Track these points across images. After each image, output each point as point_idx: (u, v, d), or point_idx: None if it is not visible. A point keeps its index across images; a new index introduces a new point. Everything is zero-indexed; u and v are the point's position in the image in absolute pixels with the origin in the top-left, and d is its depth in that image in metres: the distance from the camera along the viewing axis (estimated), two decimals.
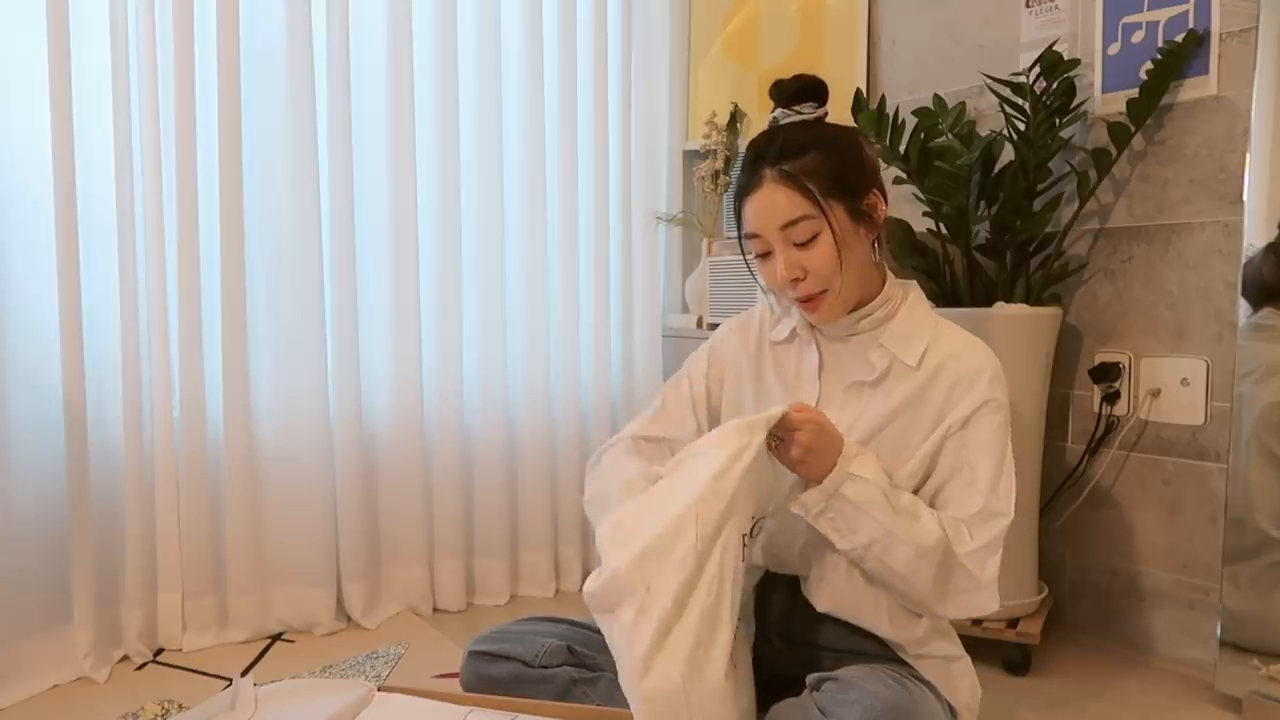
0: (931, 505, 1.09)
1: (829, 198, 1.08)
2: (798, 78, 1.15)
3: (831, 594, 1.13)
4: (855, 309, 1.15)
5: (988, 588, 1.05)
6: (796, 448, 1.02)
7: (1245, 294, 1.59)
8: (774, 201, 1.09)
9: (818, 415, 1.04)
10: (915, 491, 1.10)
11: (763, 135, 1.14)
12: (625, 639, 0.94)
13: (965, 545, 1.04)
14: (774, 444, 1.04)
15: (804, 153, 1.09)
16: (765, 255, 1.13)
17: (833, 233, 1.08)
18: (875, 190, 1.13)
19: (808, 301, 1.12)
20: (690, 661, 0.92)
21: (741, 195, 1.13)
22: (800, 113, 1.13)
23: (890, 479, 1.08)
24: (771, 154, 1.10)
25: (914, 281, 1.22)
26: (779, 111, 1.15)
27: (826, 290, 1.11)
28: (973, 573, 1.04)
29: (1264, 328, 1.57)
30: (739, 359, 1.26)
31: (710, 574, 0.95)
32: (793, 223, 1.08)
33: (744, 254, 1.17)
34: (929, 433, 1.10)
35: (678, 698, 0.91)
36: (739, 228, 1.16)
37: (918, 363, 1.12)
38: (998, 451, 1.08)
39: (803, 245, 1.09)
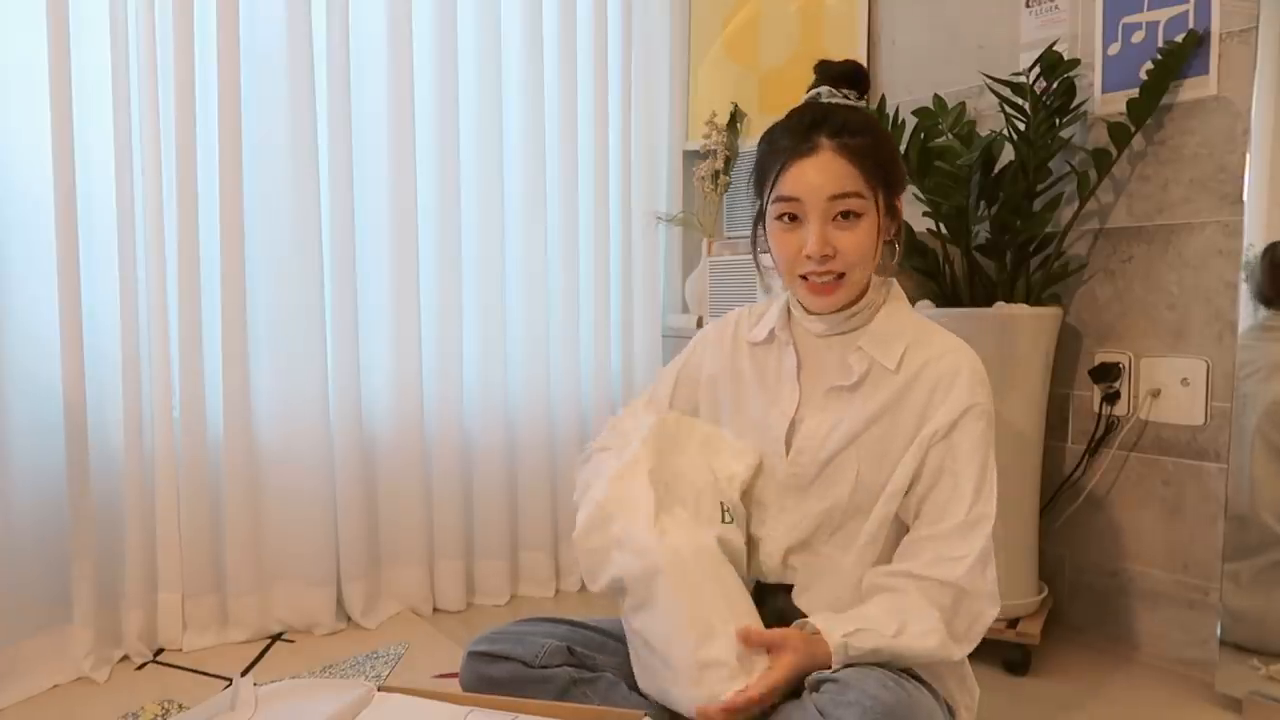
0: (916, 514, 1.10)
1: (877, 182, 1.08)
2: (847, 61, 1.16)
3: (824, 604, 1.13)
4: (843, 308, 1.15)
5: (990, 596, 1.06)
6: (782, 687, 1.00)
7: (1257, 294, 1.58)
8: (832, 169, 1.06)
9: (778, 672, 1.00)
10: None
11: (818, 106, 1.13)
12: (628, 530, 1.06)
13: (956, 569, 1.04)
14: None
15: (864, 134, 1.08)
16: (793, 221, 1.09)
17: (877, 219, 1.08)
18: (901, 194, 1.14)
19: (821, 284, 1.10)
20: (688, 528, 1.07)
21: (788, 157, 1.09)
22: (846, 96, 1.13)
23: (875, 485, 1.10)
24: (832, 125, 1.08)
25: (894, 279, 1.19)
26: (824, 89, 1.14)
27: (845, 275, 1.09)
28: (973, 592, 1.05)
29: (1270, 328, 1.57)
30: (714, 371, 1.26)
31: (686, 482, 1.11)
32: (844, 195, 1.06)
33: (762, 219, 1.14)
34: (910, 437, 1.09)
35: (684, 549, 1.05)
36: (763, 190, 1.13)
37: (897, 366, 1.11)
38: (981, 457, 1.08)
39: (842, 222, 1.07)
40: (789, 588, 1.17)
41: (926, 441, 1.08)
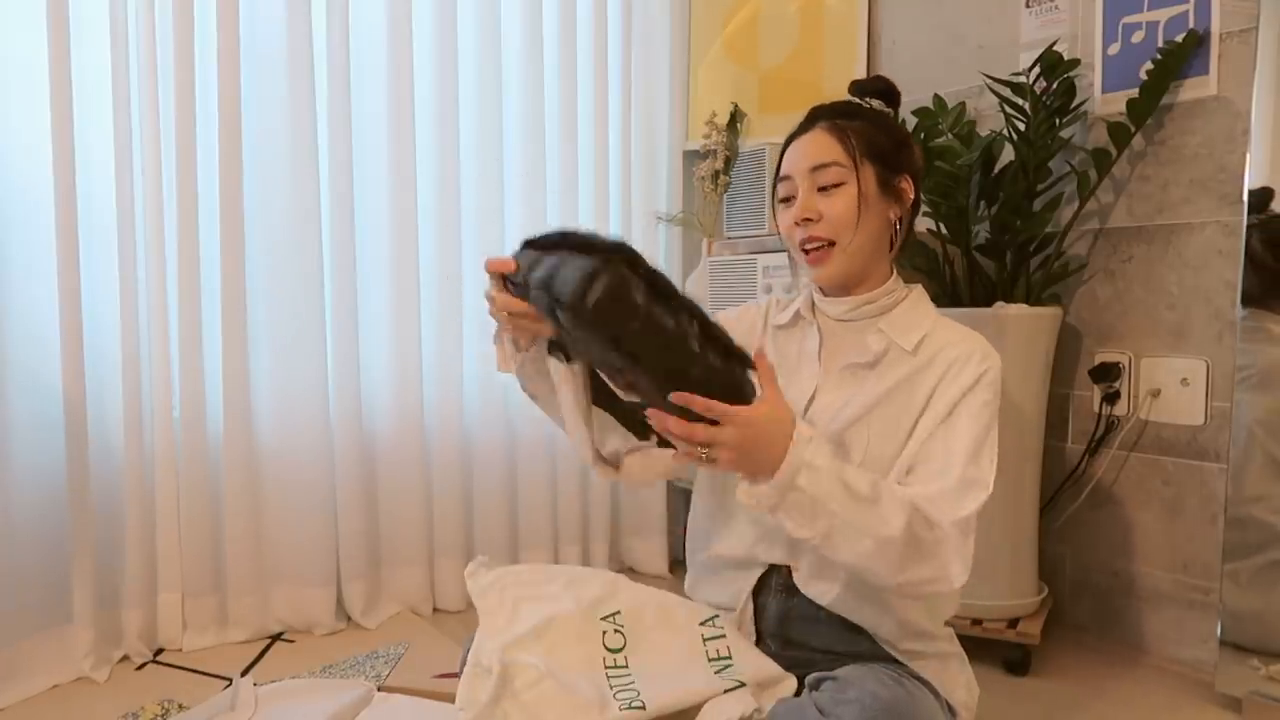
0: (910, 473, 1.08)
1: (864, 158, 1.13)
2: (877, 78, 1.24)
3: (828, 587, 1.12)
4: (858, 292, 1.17)
5: (960, 556, 1.01)
6: (725, 451, 0.93)
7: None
8: (816, 143, 1.14)
9: (745, 412, 0.93)
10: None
11: (826, 103, 1.21)
12: None
13: (943, 518, 1.01)
14: (703, 457, 0.95)
15: (856, 117, 1.16)
16: (788, 201, 1.17)
17: (859, 188, 1.12)
18: (909, 177, 1.17)
19: (813, 252, 1.14)
20: None
21: (787, 142, 1.19)
22: (868, 103, 1.21)
23: (884, 460, 1.09)
24: (828, 111, 1.17)
25: (919, 285, 1.23)
26: (834, 101, 1.22)
27: (834, 243, 1.13)
28: (948, 544, 1.00)
29: (1252, 330, 1.58)
30: (746, 339, 1.27)
31: None
32: (823, 165, 1.13)
33: (773, 203, 1.22)
34: (918, 417, 1.11)
35: None
36: (775, 180, 1.21)
37: (914, 349, 1.13)
38: (981, 424, 1.08)
39: (826, 192, 1.13)
40: (792, 582, 1.16)
41: (936, 420, 1.09)
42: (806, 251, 1.16)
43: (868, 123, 1.16)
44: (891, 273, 1.20)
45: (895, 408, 1.12)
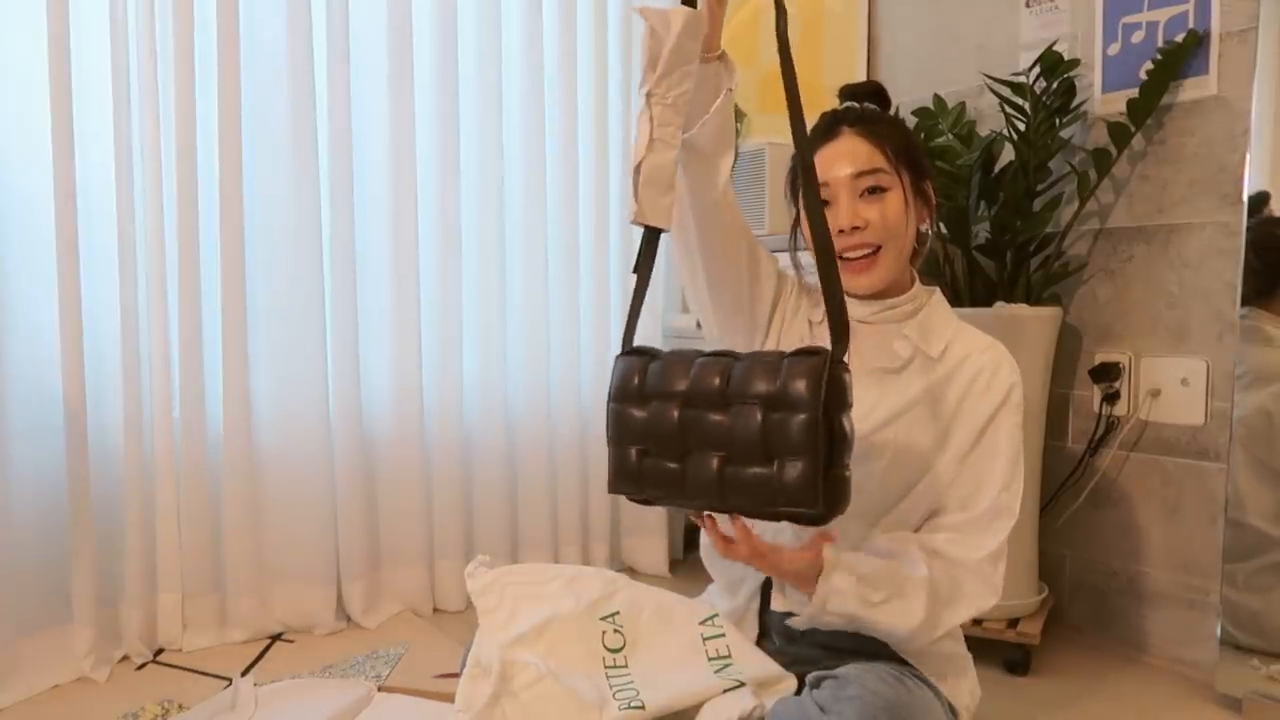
0: (944, 499, 1.10)
1: (900, 162, 1.13)
2: (870, 82, 1.25)
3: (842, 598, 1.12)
4: (882, 297, 1.16)
5: (993, 588, 1.07)
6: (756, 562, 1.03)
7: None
8: (853, 149, 1.12)
9: (778, 560, 1.03)
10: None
11: (839, 107, 1.20)
12: None
13: (971, 554, 1.05)
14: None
15: (882, 121, 1.15)
16: (825, 206, 1.12)
17: (904, 192, 1.12)
18: (930, 180, 1.18)
19: (857, 260, 1.12)
20: None
21: (811, 148, 1.14)
22: (866, 107, 1.20)
23: (908, 467, 1.10)
24: (852, 115, 1.15)
25: (936, 287, 1.23)
26: (847, 105, 1.21)
27: (881, 248, 1.12)
28: (979, 578, 1.06)
29: (1248, 330, 1.58)
30: (795, 307, 1.26)
31: None
32: (867, 172, 1.11)
33: (799, 221, 1.19)
34: (945, 425, 1.11)
35: None
36: (795, 187, 1.19)
37: (940, 355, 1.14)
38: (1012, 451, 1.10)
39: (870, 197, 1.11)
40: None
41: (970, 441, 1.10)
42: (847, 260, 1.13)
43: (893, 126, 1.15)
44: (914, 278, 1.20)
45: (922, 414, 1.12)
